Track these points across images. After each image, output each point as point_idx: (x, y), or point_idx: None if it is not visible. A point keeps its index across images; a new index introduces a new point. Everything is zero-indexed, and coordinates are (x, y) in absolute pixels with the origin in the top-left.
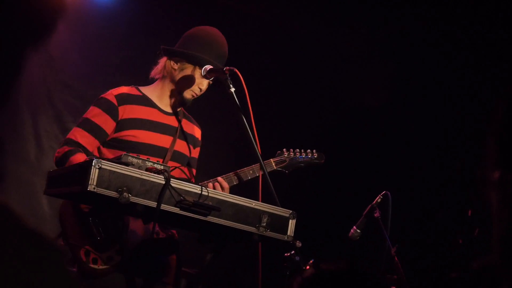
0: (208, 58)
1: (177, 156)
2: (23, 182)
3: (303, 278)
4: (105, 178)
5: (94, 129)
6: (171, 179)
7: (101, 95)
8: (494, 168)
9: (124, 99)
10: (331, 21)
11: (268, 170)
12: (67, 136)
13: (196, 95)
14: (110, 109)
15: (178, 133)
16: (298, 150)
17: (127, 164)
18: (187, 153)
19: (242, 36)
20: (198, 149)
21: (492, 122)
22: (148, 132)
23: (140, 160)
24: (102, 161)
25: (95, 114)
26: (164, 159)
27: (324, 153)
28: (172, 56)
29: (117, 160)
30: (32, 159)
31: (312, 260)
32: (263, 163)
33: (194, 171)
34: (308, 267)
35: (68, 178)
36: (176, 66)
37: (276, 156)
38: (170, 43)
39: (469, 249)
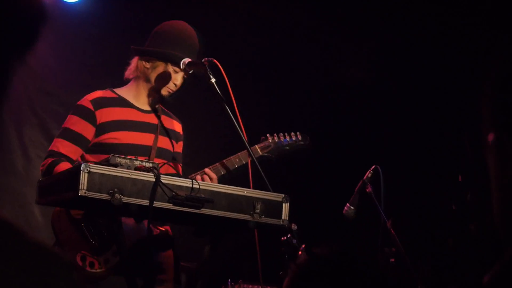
0: (178, 53)
1: (162, 153)
2: (14, 193)
3: (297, 265)
4: (96, 181)
5: (75, 138)
6: (161, 175)
7: (77, 103)
8: (489, 130)
9: (100, 103)
10: (307, 1)
11: (254, 157)
12: (49, 148)
13: (172, 91)
14: (88, 115)
15: (159, 130)
16: (282, 134)
17: (115, 165)
18: (170, 149)
19: (216, 25)
20: (181, 143)
21: (485, 84)
22: (129, 132)
23: (128, 160)
24: (91, 165)
25: (73, 122)
26: (149, 157)
27: (308, 135)
28: (142, 55)
29: (105, 163)
30: (20, 169)
31: (304, 245)
32: (251, 150)
33: (180, 166)
34: (300, 252)
35: (59, 186)
36: (148, 65)
37: (261, 141)
38: (143, 41)
39: (463, 214)
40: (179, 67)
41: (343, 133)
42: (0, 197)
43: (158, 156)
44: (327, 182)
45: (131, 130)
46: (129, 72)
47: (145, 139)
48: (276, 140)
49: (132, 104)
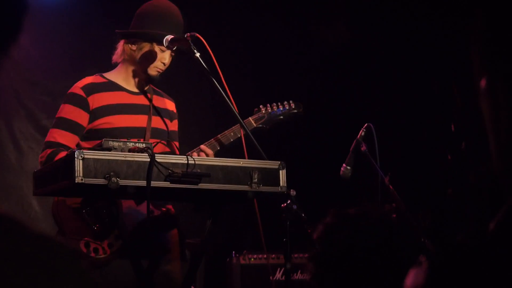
0: (162, 31)
1: (157, 133)
2: (9, 187)
3: (323, 226)
4: (91, 167)
5: (70, 126)
6: (156, 154)
7: (68, 91)
8: (480, 76)
9: (91, 89)
10: None
11: (248, 129)
12: (46, 139)
13: (161, 70)
14: (80, 102)
15: (151, 111)
16: (274, 104)
17: (109, 149)
18: (165, 128)
19: (197, 2)
20: (175, 121)
21: (474, 29)
22: (122, 116)
23: (121, 143)
24: (84, 151)
25: (67, 111)
26: (144, 138)
27: (298, 100)
28: (127, 38)
29: (98, 147)
30: (14, 162)
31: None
32: (243, 122)
33: (177, 143)
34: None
35: (54, 175)
36: (134, 47)
37: (254, 113)
38: (128, 24)
39: (460, 163)
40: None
41: (332, 96)
42: None
43: (153, 137)
44: (321, 146)
45: (124, 114)
46: (116, 56)
47: (138, 121)
48: (270, 110)
49: (122, 87)
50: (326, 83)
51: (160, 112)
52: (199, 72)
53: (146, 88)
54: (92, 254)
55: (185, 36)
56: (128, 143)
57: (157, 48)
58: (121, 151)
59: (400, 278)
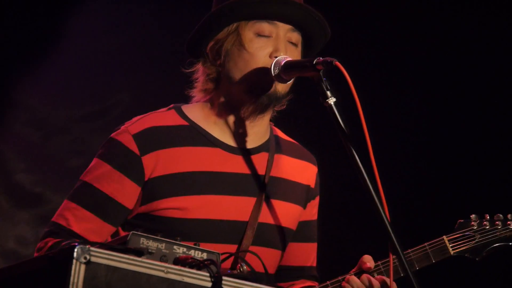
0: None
1: (265, 234)
2: None
3: None
4: (99, 281)
5: (100, 205)
6: (223, 277)
7: (111, 135)
8: None
9: (153, 140)
10: None
11: (437, 259)
12: (53, 219)
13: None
14: (128, 163)
15: (266, 187)
16: (499, 216)
17: (138, 252)
18: (285, 223)
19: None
20: (314, 202)
21: None
22: (207, 198)
23: (164, 243)
24: (93, 248)
25: (101, 175)
26: (240, 244)
27: None
28: (204, 47)
29: (121, 246)
30: None
31: None
32: (407, 262)
33: (313, 247)
34: None
35: (26, 285)
36: (217, 58)
37: (457, 228)
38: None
39: None
40: (266, 17)
41: None
42: None
43: (258, 242)
44: None
45: (212, 193)
46: (200, 87)
47: (237, 208)
48: (489, 226)
49: (215, 139)
50: None
51: (283, 191)
52: (330, 126)
53: (263, 141)
54: None
55: (313, 62)
56: (175, 246)
57: (252, 34)
58: (162, 260)
59: None
